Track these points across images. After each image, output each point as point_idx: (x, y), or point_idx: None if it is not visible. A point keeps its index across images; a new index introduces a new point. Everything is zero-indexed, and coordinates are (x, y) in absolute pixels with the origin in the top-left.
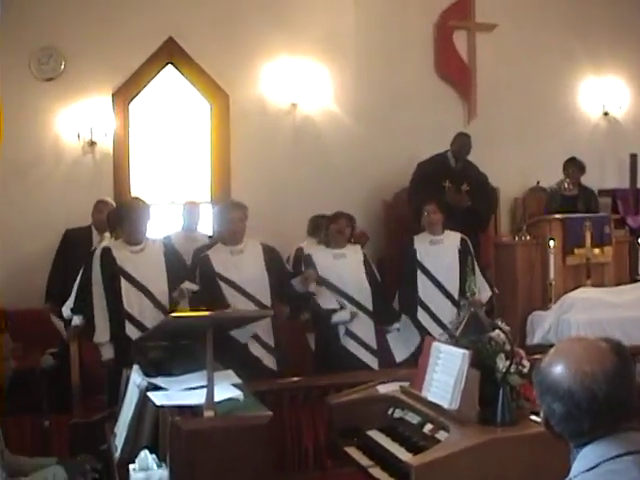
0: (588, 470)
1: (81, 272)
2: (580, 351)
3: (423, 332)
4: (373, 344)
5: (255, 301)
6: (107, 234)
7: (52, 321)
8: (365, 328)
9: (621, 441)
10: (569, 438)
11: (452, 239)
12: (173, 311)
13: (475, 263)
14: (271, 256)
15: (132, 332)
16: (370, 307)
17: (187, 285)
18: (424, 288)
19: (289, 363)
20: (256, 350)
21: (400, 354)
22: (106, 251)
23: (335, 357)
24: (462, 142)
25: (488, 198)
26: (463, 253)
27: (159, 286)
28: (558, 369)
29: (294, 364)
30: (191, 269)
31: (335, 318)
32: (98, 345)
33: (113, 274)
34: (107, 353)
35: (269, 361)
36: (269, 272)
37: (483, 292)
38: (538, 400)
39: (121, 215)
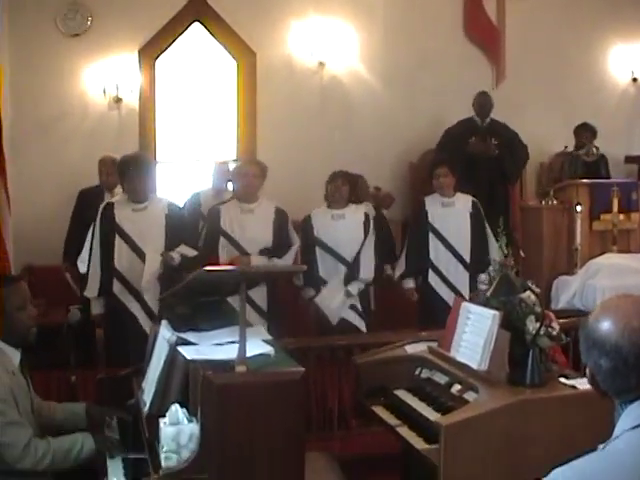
0: (633, 428)
1: (92, 227)
2: (628, 307)
3: (434, 295)
4: (358, 305)
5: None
6: (118, 189)
7: (68, 281)
8: (339, 290)
9: None
10: (615, 395)
11: (463, 202)
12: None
13: (487, 226)
14: (281, 221)
15: (118, 290)
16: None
17: (183, 249)
18: (436, 251)
19: (285, 329)
20: (248, 314)
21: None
22: (108, 207)
23: (324, 319)
24: (482, 100)
25: (517, 152)
26: (475, 216)
27: (154, 247)
28: (605, 324)
29: (291, 331)
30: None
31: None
32: (90, 300)
33: (110, 231)
34: (96, 308)
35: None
36: (274, 237)
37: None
38: (583, 356)
39: (121, 170)
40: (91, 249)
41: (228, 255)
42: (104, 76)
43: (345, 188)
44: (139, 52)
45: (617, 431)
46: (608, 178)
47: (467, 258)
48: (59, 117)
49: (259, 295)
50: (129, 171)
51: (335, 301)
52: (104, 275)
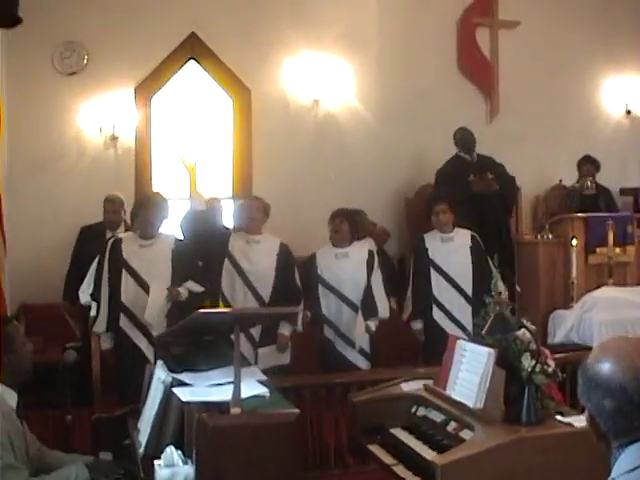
0: (632, 470)
1: (97, 260)
2: (629, 347)
3: (439, 331)
4: (366, 346)
5: (254, 292)
6: (121, 229)
7: (68, 321)
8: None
9: None
10: (615, 436)
11: (462, 236)
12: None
13: (488, 259)
14: (285, 257)
15: (125, 324)
16: None
17: (190, 285)
18: (438, 286)
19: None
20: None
21: None
22: (116, 242)
23: (326, 357)
24: (463, 135)
25: (510, 182)
26: (475, 250)
27: (160, 282)
28: (608, 365)
29: (299, 364)
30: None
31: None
32: (98, 335)
33: (117, 265)
34: (105, 343)
35: (249, 353)
36: (277, 270)
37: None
38: (583, 398)
39: (137, 206)
40: (100, 284)
41: (230, 281)
42: (100, 114)
43: (344, 226)
44: (135, 90)
45: (614, 473)
46: (613, 211)
47: (469, 292)
48: (55, 155)
49: (256, 329)
50: (144, 208)
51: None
52: (112, 310)
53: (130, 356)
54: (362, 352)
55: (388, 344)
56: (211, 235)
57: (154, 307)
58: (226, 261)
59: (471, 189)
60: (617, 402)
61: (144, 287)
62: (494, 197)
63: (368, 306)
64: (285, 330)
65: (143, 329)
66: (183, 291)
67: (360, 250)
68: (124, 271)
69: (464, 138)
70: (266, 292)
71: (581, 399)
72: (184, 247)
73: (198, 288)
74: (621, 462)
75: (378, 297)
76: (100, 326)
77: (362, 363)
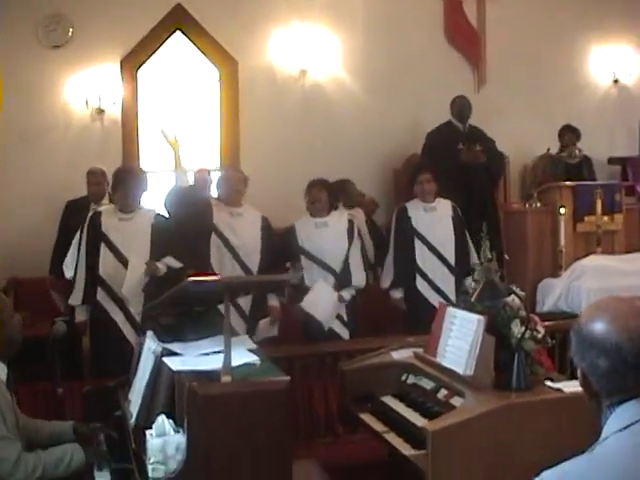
0: (621, 430)
1: (78, 234)
2: (624, 307)
3: (422, 301)
4: (344, 314)
5: (243, 266)
6: (105, 201)
7: (52, 296)
8: (328, 293)
9: None
10: (607, 395)
11: (444, 206)
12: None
13: (466, 230)
14: (268, 229)
15: (102, 297)
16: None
17: (169, 261)
18: (422, 256)
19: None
20: (234, 319)
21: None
22: (95, 215)
23: (309, 327)
24: (461, 104)
25: (498, 156)
26: (456, 220)
27: (139, 256)
28: (603, 324)
29: (284, 336)
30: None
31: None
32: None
33: (96, 239)
34: (80, 315)
35: (240, 327)
36: (262, 242)
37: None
38: (576, 357)
39: (116, 179)
40: (78, 257)
41: (218, 255)
42: (86, 87)
43: (323, 195)
44: (121, 62)
45: (605, 433)
46: (592, 180)
47: (452, 262)
48: (42, 129)
49: (244, 299)
50: (123, 181)
51: (326, 306)
52: (89, 283)
53: (105, 329)
54: (342, 321)
55: (368, 313)
56: (196, 211)
57: (132, 281)
58: (213, 235)
59: (459, 158)
60: (611, 362)
61: (122, 261)
62: (481, 168)
63: (343, 277)
64: (275, 302)
65: (120, 303)
66: (162, 266)
67: (339, 219)
68: (103, 244)
69: (461, 107)
70: (254, 265)
71: (574, 358)
72: (164, 222)
73: (177, 264)
74: (612, 421)
75: (354, 266)
76: (76, 298)
77: (343, 332)
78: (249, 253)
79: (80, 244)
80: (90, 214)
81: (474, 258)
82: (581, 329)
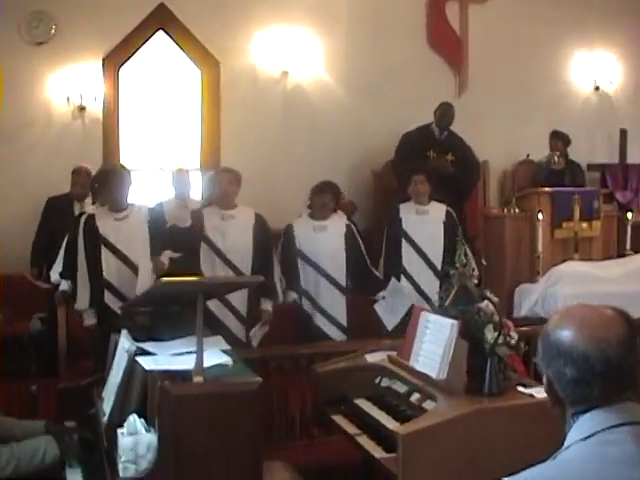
0: (584, 439)
1: (67, 237)
2: (593, 316)
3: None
4: (343, 321)
5: (235, 269)
6: (88, 200)
7: (38, 285)
8: (335, 304)
9: (618, 411)
10: (572, 403)
11: (437, 210)
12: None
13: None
14: (261, 229)
15: (110, 300)
16: (343, 283)
17: (169, 254)
18: (408, 258)
19: (271, 336)
20: (228, 320)
21: (390, 322)
22: (90, 218)
23: (304, 331)
24: (444, 111)
25: (471, 168)
26: (448, 225)
27: (142, 255)
28: (571, 333)
29: (274, 337)
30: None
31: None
32: (81, 312)
33: (95, 242)
34: (89, 319)
35: (238, 331)
36: (255, 243)
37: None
38: (542, 363)
39: (101, 181)
40: (74, 260)
41: (210, 261)
42: (68, 85)
43: (332, 203)
44: (103, 60)
45: (568, 441)
46: (580, 185)
47: (438, 266)
48: (23, 126)
49: (239, 300)
50: (109, 182)
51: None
52: (94, 287)
53: (117, 331)
54: (339, 326)
55: (362, 316)
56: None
57: (144, 285)
58: (203, 244)
59: (426, 165)
60: (578, 371)
61: (125, 261)
62: (450, 179)
63: (370, 281)
64: (268, 306)
65: None
66: (164, 260)
67: (338, 223)
68: (103, 247)
69: (443, 115)
70: (246, 267)
71: (540, 364)
72: (158, 215)
73: (174, 255)
74: (575, 429)
75: (370, 269)
76: (82, 303)
77: (339, 337)
78: (241, 255)
79: (71, 249)
80: (83, 218)
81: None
82: (548, 336)
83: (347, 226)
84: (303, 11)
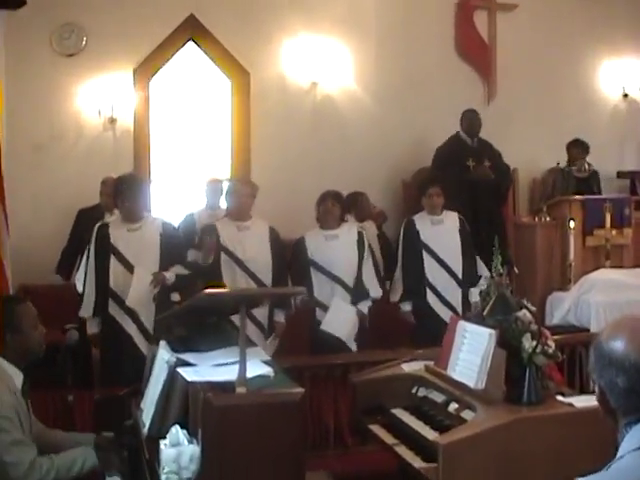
0: (637, 449)
1: (87, 247)
2: None
3: (431, 314)
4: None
5: (256, 279)
6: (117, 211)
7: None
8: (347, 310)
9: None
10: (624, 413)
11: (452, 219)
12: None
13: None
14: (275, 241)
15: (114, 310)
16: None
17: (178, 270)
18: (430, 269)
19: (284, 346)
20: (249, 330)
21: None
22: (102, 227)
23: (317, 340)
24: (471, 118)
25: (505, 172)
26: (463, 232)
27: (148, 267)
28: (623, 343)
29: (292, 348)
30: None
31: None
32: (84, 319)
33: (105, 251)
34: (92, 328)
35: (260, 341)
36: (273, 253)
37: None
38: (595, 374)
39: (117, 191)
40: (86, 269)
41: (230, 271)
42: (99, 96)
43: (336, 208)
44: (134, 72)
45: (621, 451)
46: (599, 194)
47: (460, 274)
48: (54, 137)
49: (260, 311)
50: (123, 191)
51: (346, 323)
52: (99, 295)
53: (118, 341)
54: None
55: (376, 326)
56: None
57: (137, 292)
58: (223, 254)
59: (469, 175)
60: (630, 381)
61: (132, 272)
62: (490, 184)
63: (358, 290)
64: (281, 317)
65: (132, 314)
66: (170, 275)
67: (349, 231)
68: (112, 256)
69: (471, 121)
70: (266, 277)
71: (592, 375)
72: (173, 231)
73: (184, 272)
74: (628, 440)
75: (368, 278)
76: (86, 311)
77: (351, 345)
78: (260, 266)
79: (88, 257)
80: (97, 226)
81: (481, 270)
82: (601, 346)
83: (359, 233)
84: (332, 21)
